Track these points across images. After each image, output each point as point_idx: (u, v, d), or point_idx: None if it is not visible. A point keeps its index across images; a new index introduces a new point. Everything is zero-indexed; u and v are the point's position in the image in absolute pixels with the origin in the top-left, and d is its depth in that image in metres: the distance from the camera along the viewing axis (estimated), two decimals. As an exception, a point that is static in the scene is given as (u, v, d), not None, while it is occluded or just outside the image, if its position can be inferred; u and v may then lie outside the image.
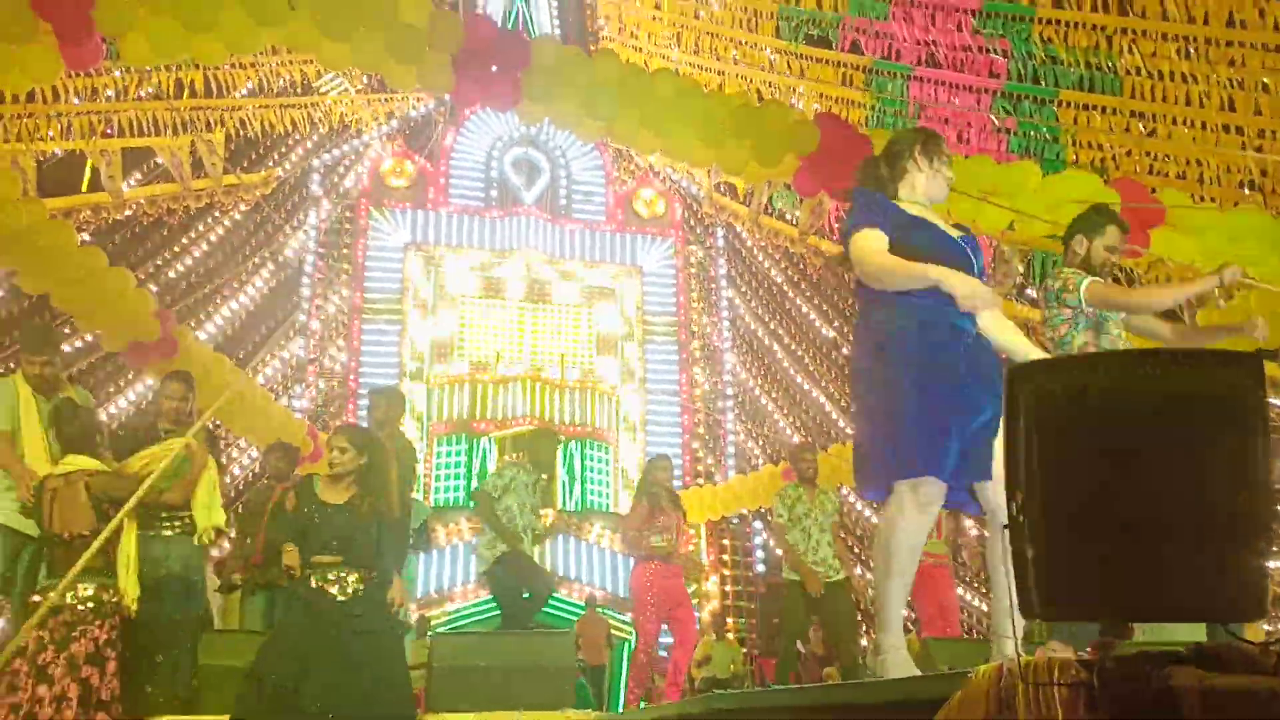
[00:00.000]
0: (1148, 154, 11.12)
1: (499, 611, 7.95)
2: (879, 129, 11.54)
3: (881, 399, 3.06)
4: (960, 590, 8.68)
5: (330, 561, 4.35)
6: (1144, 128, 11.14)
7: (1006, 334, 3.22)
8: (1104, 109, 11.04)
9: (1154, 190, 9.97)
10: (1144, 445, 2.06)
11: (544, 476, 6.99)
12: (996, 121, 11.37)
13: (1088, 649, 3.12)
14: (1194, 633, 3.11)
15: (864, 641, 7.86)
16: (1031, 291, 13.71)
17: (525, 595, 6.80)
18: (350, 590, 4.34)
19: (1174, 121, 10.97)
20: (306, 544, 4.38)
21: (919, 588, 7.47)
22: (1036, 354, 3.24)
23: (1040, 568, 2.11)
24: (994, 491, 3.00)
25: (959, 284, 2.94)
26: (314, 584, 4.31)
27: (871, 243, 3.08)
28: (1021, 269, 11.94)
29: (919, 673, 3.00)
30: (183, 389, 5.06)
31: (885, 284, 3.07)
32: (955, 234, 3.22)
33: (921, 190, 3.26)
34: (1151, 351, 2.65)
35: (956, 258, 3.12)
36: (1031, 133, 11.35)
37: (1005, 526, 2.20)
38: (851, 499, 15.84)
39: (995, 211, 6.67)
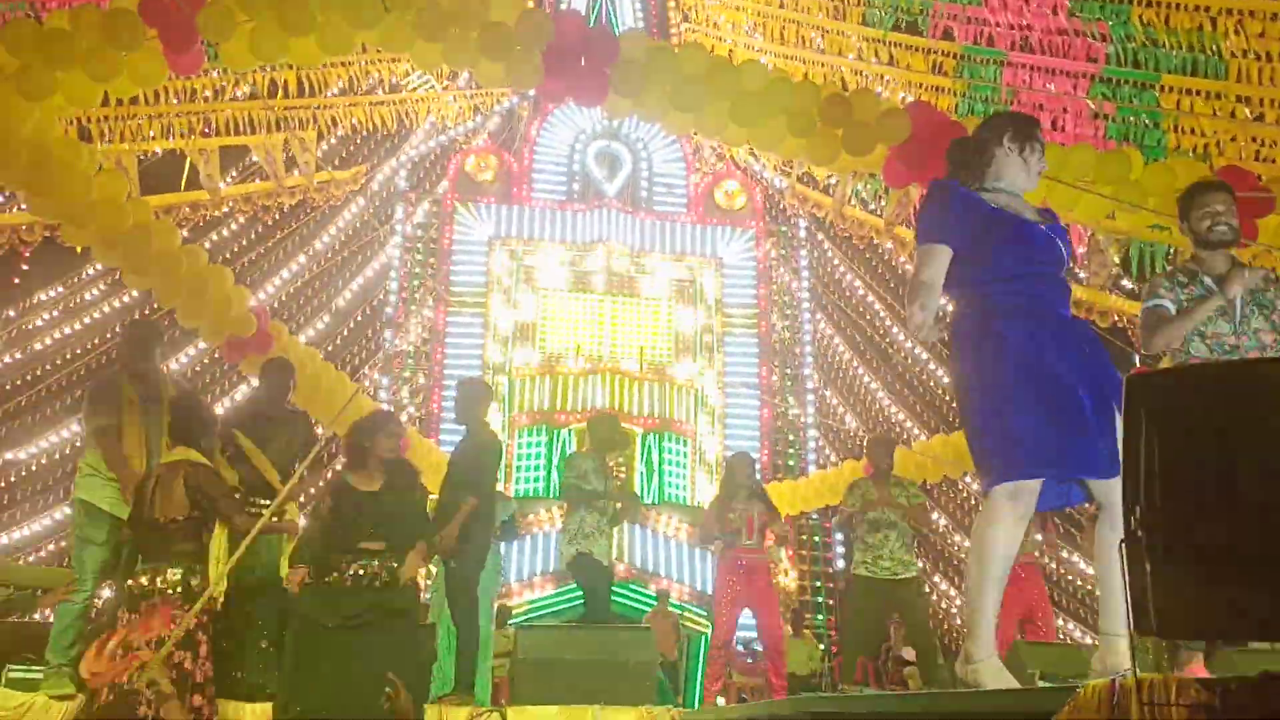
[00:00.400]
0: (1254, 140, 10.69)
1: (574, 603, 8.11)
2: (970, 117, 11.30)
3: (974, 402, 3.00)
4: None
5: (375, 549, 4.61)
6: (1250, 112, 10.71)
7: None
8: (1207, 94, 10.64)
9: (1260, 178, 9.57)
10: (1271, 458, 1.98)
11: (605, 459, 7.12)
12: (1094, 107, 11.02)
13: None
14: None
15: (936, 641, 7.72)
16: (1128, 283, 13.28)
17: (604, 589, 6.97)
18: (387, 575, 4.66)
19: (1281, 105, 10.51)
20: (350, 535, 4.67)
21: (1006, 595, 7.34)
22: None
23: (1159, 585, 2.04)
24: (1108, 485, 2.88)
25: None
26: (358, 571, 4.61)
27: (932, 262, 3.05)
28: (1118, 260, 11.56)
29: (1011, 680, 2.93)
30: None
31: (922, 316, 3.05)
32: (1040, 221, 3.13)
33: (1009, 179, 3.16)
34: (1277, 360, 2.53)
35: (1038, 249, 3.04)
36: (1131, 119, 10.98)
37: (1123, 541, 2.13)
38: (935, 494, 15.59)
39: (1094, 200, 6.45)
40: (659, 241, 15.94)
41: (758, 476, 7.68)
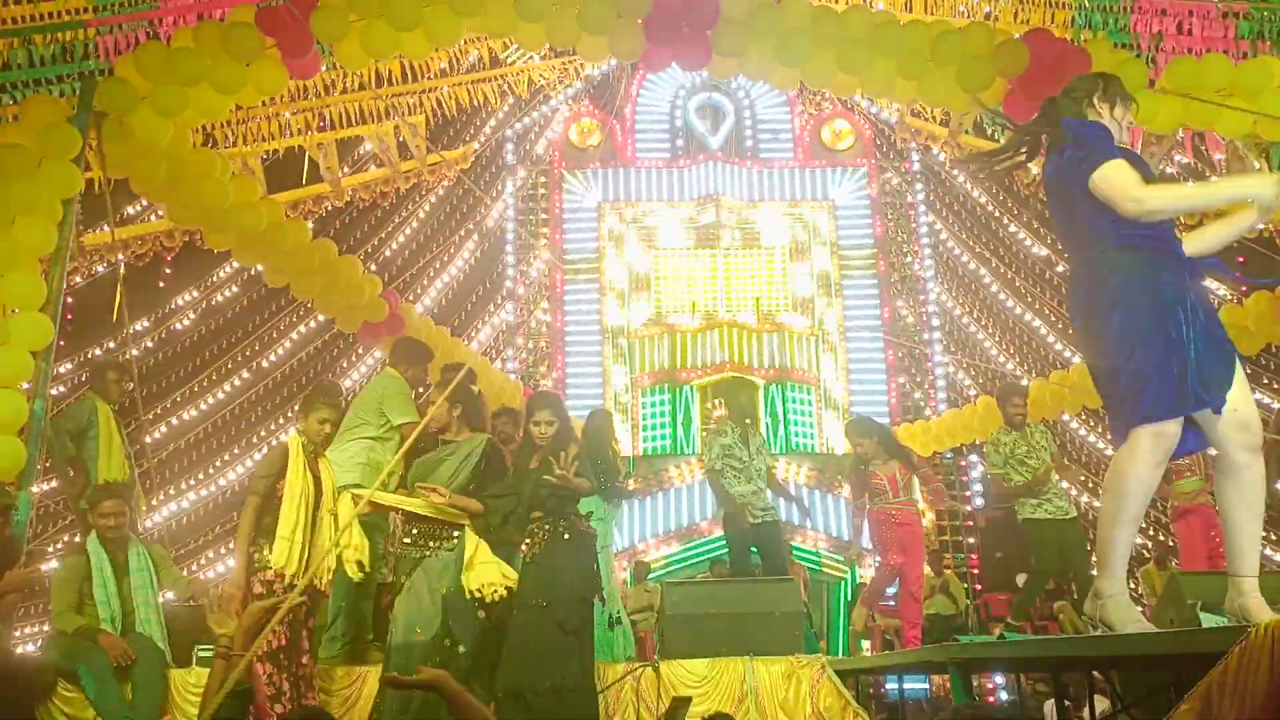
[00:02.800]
0: None
1: (703, 556, 8.35)
2: (1087, 30, 10.75)
3: (1116, 346, 2.98)
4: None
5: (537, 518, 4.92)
6: (1404, -8, 9.89)
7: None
8: (1353, -23, 9.85)
9: None
10: None
11: (747, 422, 7.24)
12: (1223, 5, 10.34)
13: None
14: None
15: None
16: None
17: (753, 549, 7.12)
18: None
19: None
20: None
21: (1187, 537, 7.22)
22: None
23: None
24: (1225, 425, 2.89)
25: (1268, 186, 2.87)
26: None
27: (1129, 175, 2.98)
28: (1259, 166, 10.90)
29: (1142, 620, 2.92)
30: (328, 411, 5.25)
31: (1168, 213, 2.99)
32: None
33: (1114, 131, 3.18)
34: None
35: None
36: (1266, 14, 10.26)
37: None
38: (1074, 425, 15.10)
39: (1235, 115, 6.12)
40: (768, 189, 15.80)
41: (889, 435, 7.69)
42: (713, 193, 15.39)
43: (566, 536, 4.94)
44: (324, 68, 9.94)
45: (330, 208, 13.40)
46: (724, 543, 7.65)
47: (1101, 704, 6.02)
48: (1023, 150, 3.34)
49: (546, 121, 16.31)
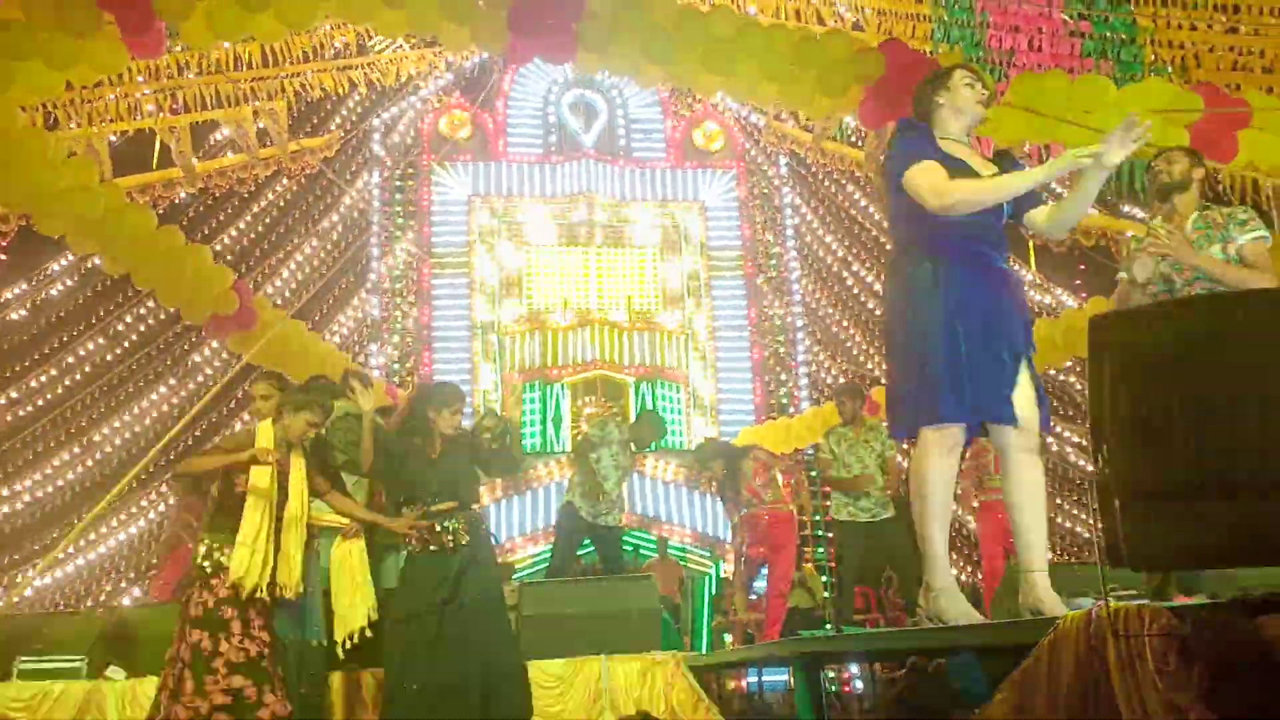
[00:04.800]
0: (1231, 49, 10.62)
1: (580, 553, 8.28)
2: (945, 43, 11.18)
3: (911, 344, 3.10)
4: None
5: (442, 509, 4.72)
6: (1226, 20, 10.63)
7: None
8: (1184, 4, 10.55)
9: (1238, 88, 9.52)
10: (1231, 390, 2.02)
11: (639, 440, 7.16)
12: (1070, 25, 10.91)
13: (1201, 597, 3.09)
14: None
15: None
16: (1125, 206, 13.25)
17: (584, 546, 7.07)
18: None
19: (1259, 12, 10.43)
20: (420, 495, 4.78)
21: (988, 530, 7.49)
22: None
23: (1128, 517, 2.10)
24: (1007, 433, 3.03)
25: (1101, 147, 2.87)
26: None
27: (934, 175, 3.06)
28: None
29: (972, 611, 3.03)
30: (266, 388, 4.95)
31: (970, 207, 3.03)
32: (986, 169, 3.19)
33: (954, 126, 3.26)
34: (1238, 295, 2.58)
35: None
36: (1107, 34, 10.88)
37: (1094, 480, 2.20)
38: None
39: (1073, 129, 6.44)
40: (640, 189, 15.86)
41: (733, 451, 7.79)
42: (585, 190, 15.36)
43: (482, 527, 4.85)
44: (178, 48, 9.50)
45: (184, 194, 12.81)
46: (589, 543, 7.56)
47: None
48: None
49: (416, 112, 15.95)
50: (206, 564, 4.28)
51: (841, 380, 14.51)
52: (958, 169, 3.10)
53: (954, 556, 15.37)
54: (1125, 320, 2.06)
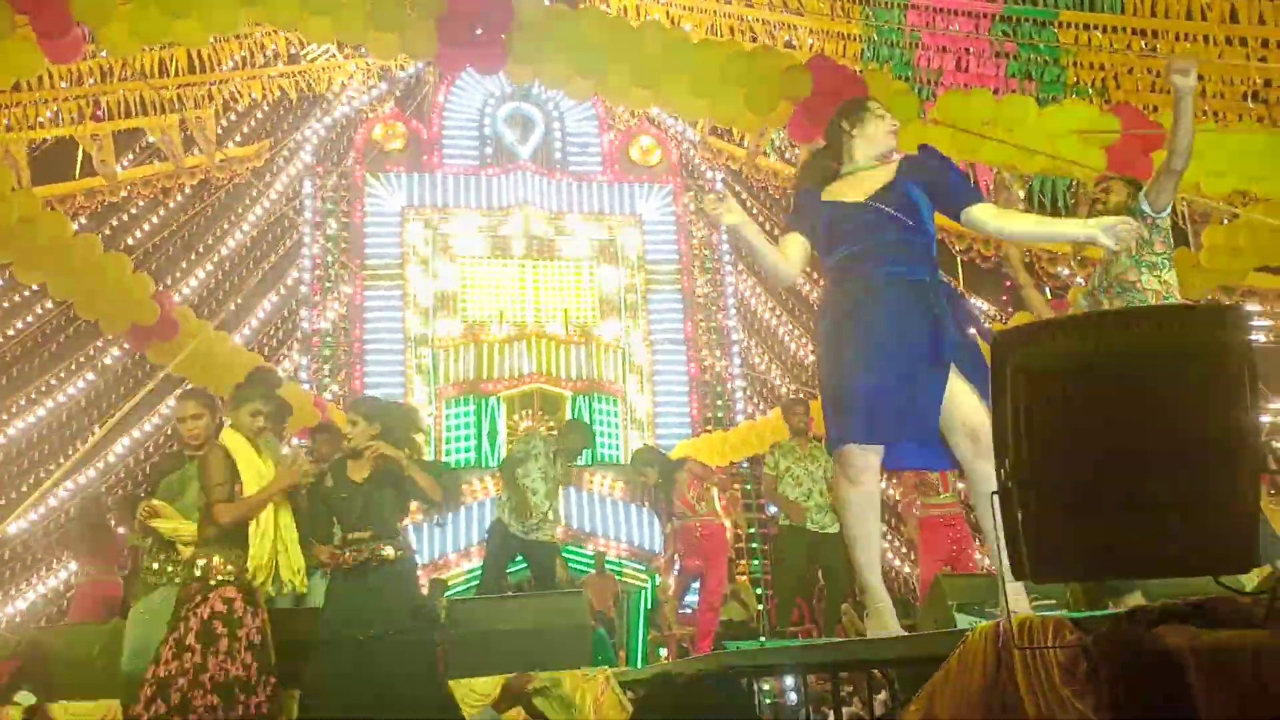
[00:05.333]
0: (1149, 71, 10.97)
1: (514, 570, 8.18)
2: (874, 62, 11.39)
3: (829, 370, 3.18)
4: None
5: (360, 537, 4.53)
6: (1145, 44, 10.97)
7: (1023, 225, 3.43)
8: (1104, 28, 10.86)
9: (1155, 109, 9.85)
10: (1131, 404, 2.07)
11: (569, 451, 7.04)
12: (996, 46, 11.19)
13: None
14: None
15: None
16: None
17: (514, 564, 6.97)
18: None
19: (1176, 37, 10.79)
20: (342, 522, 4.59)
21: (927, 542, 7.60)
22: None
23: (1030, 531, 2.13)
24: (957, 438, 3.06)
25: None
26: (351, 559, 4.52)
27: (785, 248, 3.34)
28: (1022, 194, 11.85)
29: (896, 626, 3.06)
30: (196, 406, 4.75)
31: (776, 279, 3.40)
32: (877, 198, 3.27)
33: (863, 155, 3.37)
34: (1138, 311, 2.66)
35: (858, 225, 3.24)
36: (1031, 56, 11.18)
37: (994, 492, 2.23)
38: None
39: (995, 146, 6.60)
40: (577, 202, 15.85)
41: (669, 461, 7.79)
42: (521, 202, 15.30)
43: (400, 554, 4.72)
44: (94, 49, 9.25)
45: (105, 203, 12.49)
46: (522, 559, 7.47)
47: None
48: None
49: (349, 122, 15.75)
50: (207, 577, 4.17)
51: (787, 394, 14.67)
52: (835, 217, 3.28)
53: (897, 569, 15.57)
54: (1027, 335, 2.09)
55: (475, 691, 5.45)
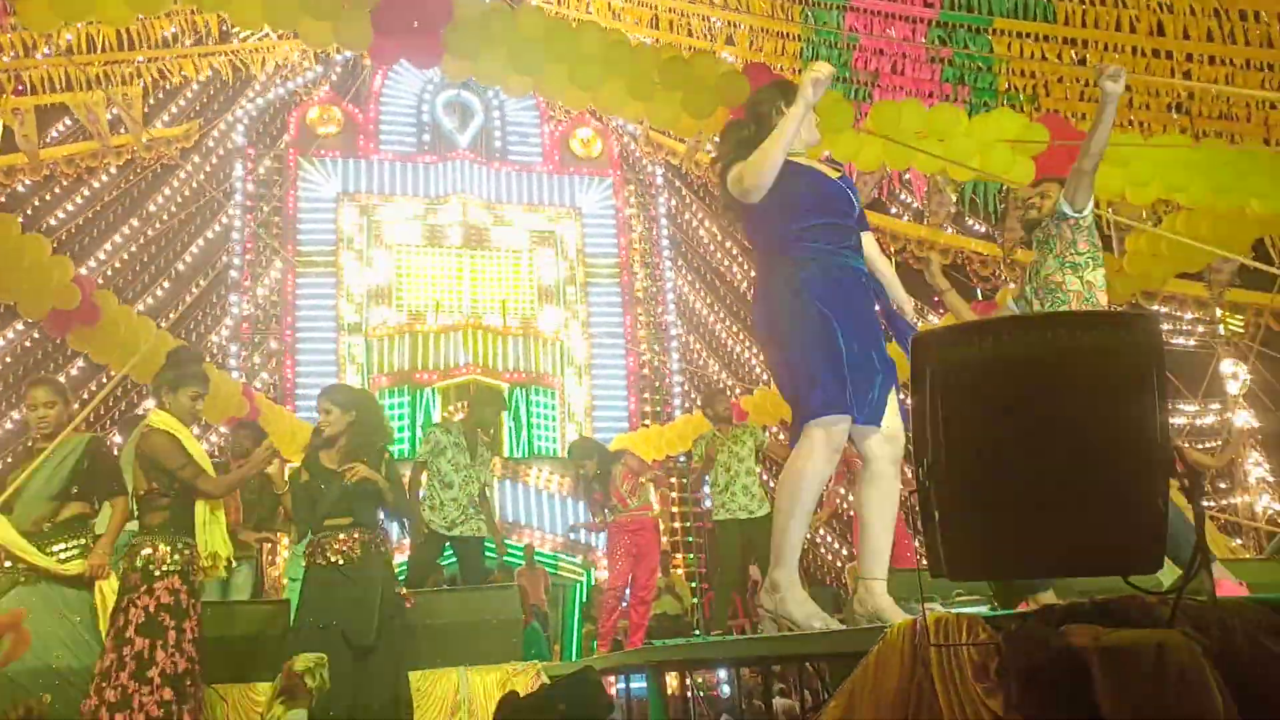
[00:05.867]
0: (1078, 80, 11.23)
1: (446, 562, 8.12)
2: (813, 62, 11.49)
3: (795, 344, 3.09)
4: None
5: (339, 524, 4.56)
6: (1075, 54, 11.23)
7: (887, 269, 3.38)
8: (1037, 36, 11.09)
9: (1084, 116, 10.10)
10: (1044, 407, 2.12)
11: (477, 432, 6.90)
12: (931, 51, 11.37)
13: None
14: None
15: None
16: (973, 223, 13.90)
17: (446, 556, 6.88)
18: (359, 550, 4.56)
19: (1105, 47, 11.07)
20: (318, 511, 4.59)
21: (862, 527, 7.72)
22: (902, 292, 3.42)
23: (946, 529, 2.17)
24: (875, 438, 3.10)
25: (809, 86, 3.08)
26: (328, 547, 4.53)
27: (740, 164, 3.19)
28: (955, 198, 12.08)
29: (816, 609, 3.07)
30: (48, 394, 4.61)
31: (765, 176, 3.11)
32: (833, 175, 3.30)
33: (796, 141, 3.28)
34: (1052, 315, 2.72)
35: (836, 197, 3.23)
36: (965, 62, 11.37)
37: (912, 491, 2.27)
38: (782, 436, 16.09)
39: (927, 158, 6.70)
40: (515, 192, 15.75)
41: (608, 453, 7.79)
42: (458, 191, 15.14)
43: (380, 547, 4.65)
44: (12, 21, 8.92)
45: (26, 182, 12.08)
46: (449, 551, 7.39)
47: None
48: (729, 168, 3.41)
49: (284, 105, 15.42)
50: (152, 567, 4.08)
51: (719, 386, 14.78)
52: (815, 183, 3.22)
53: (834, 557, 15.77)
54: (946, 336, 2.13)
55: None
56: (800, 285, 3.07)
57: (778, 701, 8.80)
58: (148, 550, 4.11)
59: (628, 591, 7.36)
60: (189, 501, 4.27)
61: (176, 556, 4.12)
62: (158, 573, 4.07)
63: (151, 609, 4.01)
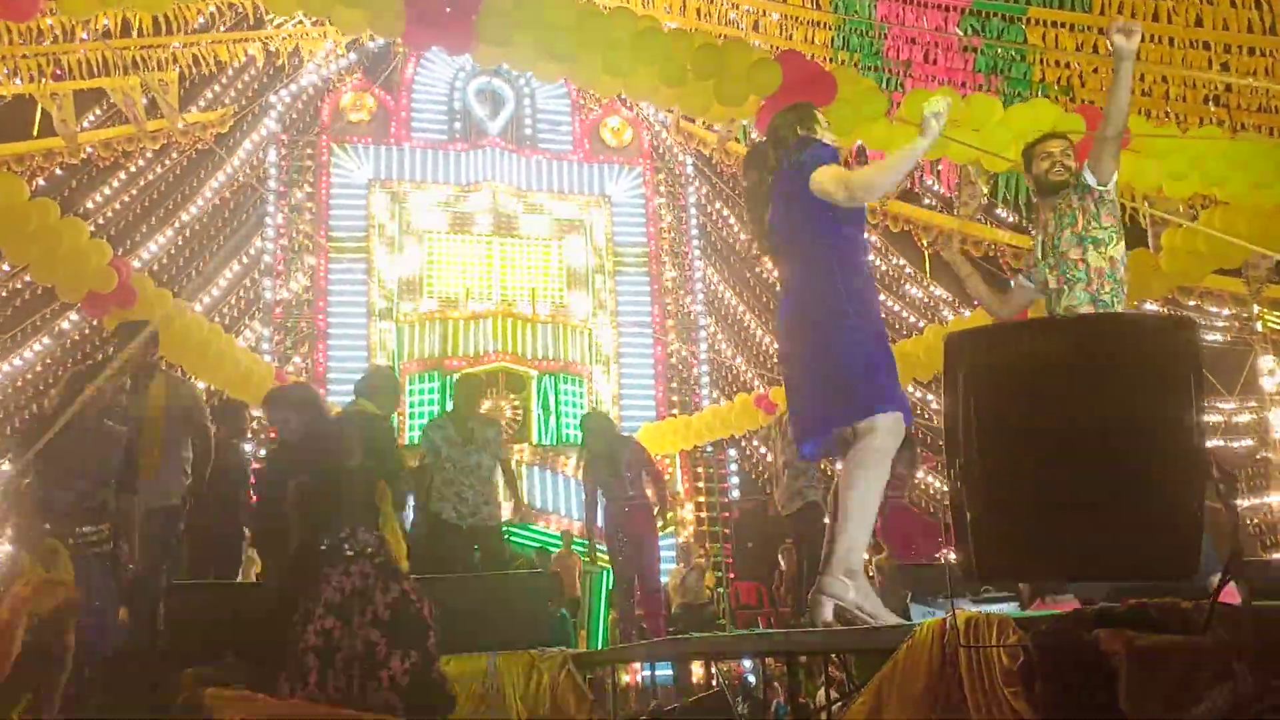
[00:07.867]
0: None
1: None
2: (844, 50, 11.39)
3: (856, 340, 3.20)
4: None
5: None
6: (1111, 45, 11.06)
7: None
8: (1071, 26, 10.94)
9: (1121, 109, 9.95)
10: (1079, 410, 2.11)
11: (466, 421, 6.65)
12: (964, 40, 11.24)
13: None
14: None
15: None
16: (1001, 212, 13.76)
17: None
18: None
19: (1141, 38, 10.91)
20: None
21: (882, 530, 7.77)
22: None
23: (978, 531, 2.17)
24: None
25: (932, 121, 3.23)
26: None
27: (842, 170, 3.34)
28: (986, 190, 11.94)
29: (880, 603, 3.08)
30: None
31: (884, 187, 3.35)
32: None
33: None
34: (1088, 318, 2.71)
35: (863, 214, 3.48)
36: (999, 51, 11.24)
37: (948, 490, 2.27)
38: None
39: (960, 148, 6.64)
40: (545, 180, 15.76)
41: (615, 429, 7.81)
42: (488, 178, 15.18)
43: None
44: (52, 5, 9.02)
45: (65, 165, 12.23)
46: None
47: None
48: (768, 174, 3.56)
49: (316, 91, 15.50)
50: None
51: (759, 379, 14.77)
52: None
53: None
54: (979, 338, 2.13)
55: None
56: (865, 282, 3.34)
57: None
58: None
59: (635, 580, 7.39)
60: None
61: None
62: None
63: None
